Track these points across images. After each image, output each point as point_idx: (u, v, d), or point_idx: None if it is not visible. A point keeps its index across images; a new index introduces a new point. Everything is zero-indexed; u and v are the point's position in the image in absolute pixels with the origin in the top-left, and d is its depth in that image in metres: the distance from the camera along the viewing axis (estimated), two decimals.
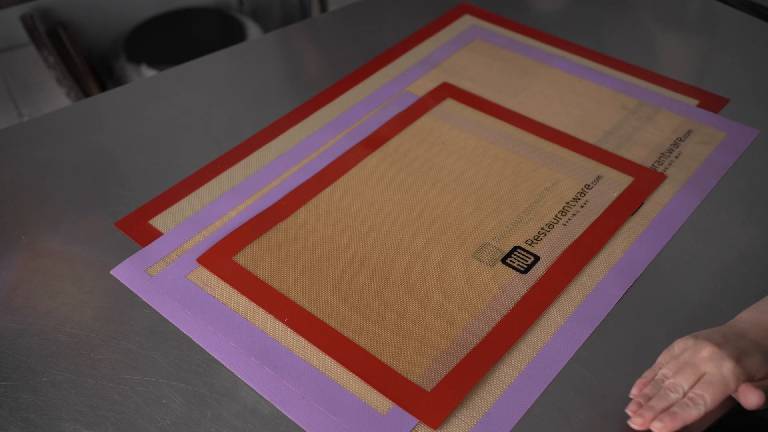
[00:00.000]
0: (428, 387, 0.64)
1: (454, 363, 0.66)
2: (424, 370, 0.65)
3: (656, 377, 0.62)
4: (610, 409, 0.62)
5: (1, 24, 1.67)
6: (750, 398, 0.58)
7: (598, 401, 0.63)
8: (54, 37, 1.71)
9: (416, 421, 0.62)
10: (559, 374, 0.65)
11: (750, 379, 0.59)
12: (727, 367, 0.59)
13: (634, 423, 0.60)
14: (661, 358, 0.63)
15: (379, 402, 0.63)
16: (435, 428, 0.61)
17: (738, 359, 0.59)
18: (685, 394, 0.59)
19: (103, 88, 1.78)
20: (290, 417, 0.62)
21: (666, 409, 0.59)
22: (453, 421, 0.62)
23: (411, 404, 0.62)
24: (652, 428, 0.59)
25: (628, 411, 0.61)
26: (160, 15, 1.87)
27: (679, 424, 0.58)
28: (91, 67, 1.77)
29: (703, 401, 0.58)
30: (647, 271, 0.74)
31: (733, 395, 0.59)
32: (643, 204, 0.80)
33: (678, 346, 0.63)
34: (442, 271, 0.74)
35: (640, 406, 0.60)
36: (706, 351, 0.60)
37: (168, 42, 1.82)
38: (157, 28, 1.85)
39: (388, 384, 0.64)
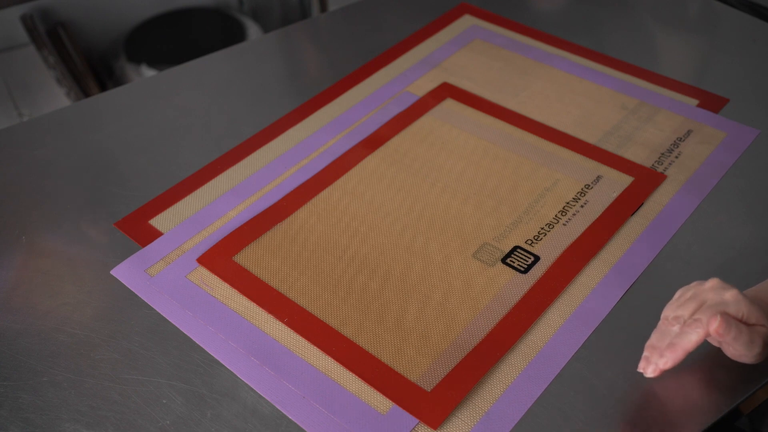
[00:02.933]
0: (428, 387, 0.64)
1: (454, 363, 0.66)
2: (424, 370, 0.65)
3: (659, 324, 0.62)
4: (610, 409, 0.62)
5: (1, 24, 1.67)
6: (713, 324, 0.57)
7: (598, 401, 0.63)
8: (54, 37, 1.71)
9: (416, 421, 0.62)
10: (559, 374, 0.65)
11: (744, 320, 0.59)
12: (730, 293, 0.59)
13: (646, 372, 0.60)
14: (666, 309, 0.63)
15: (379, 402, 0.63)
16: (435, 428, 0.61)
17: (739, 290, 0.59)
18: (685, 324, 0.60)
19: (103, 88, 1.78)
20: (290, 417, 0.62)
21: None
22: (453, 421, 0.62)
23: (411, 404, 0.63)
24: (659, 366, 0.59)
25: (639, 368, 0.61)
26: (160, 15, 1.87)
27: (680, 353, 0.59)
28: (91, 67, 1.77)
29: (701, 324, 0.58)
30: (647, 271, 0.74)
31: (733, 329, 0.58)
32: (643, 204, 0.80)
33: (680, 290, 0.63)
34: (442, 271, 0.74)
35: (647, 357, 0.61)
36: (710, 283, 0.61)
37: (168, 42, 1.82)
38: (157, 28, 1.85)
39: (388, 384, 0.64)
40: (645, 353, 0.61)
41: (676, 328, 0.60)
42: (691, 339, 0.58)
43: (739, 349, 0.59)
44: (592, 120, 0.92)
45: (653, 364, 0.60)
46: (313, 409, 0.63)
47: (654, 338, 0.62)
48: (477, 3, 1.14)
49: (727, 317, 0.58)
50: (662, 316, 0.63)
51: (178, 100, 0.97)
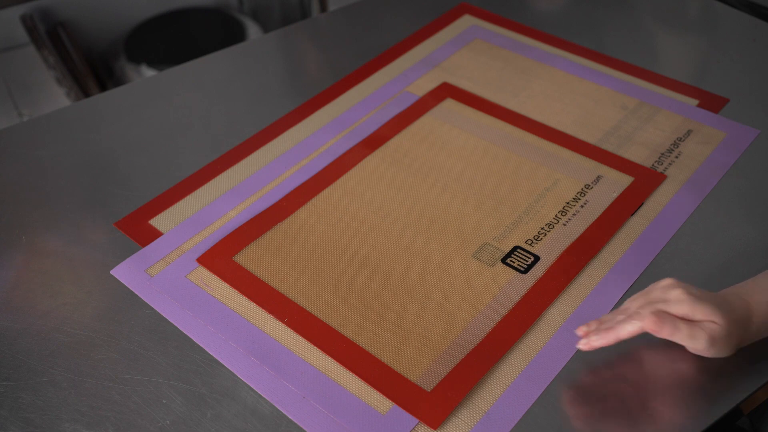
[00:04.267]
0: (428, 387, 0.64)
1: (454, 363, 0.66)
2: (424, 370, 0.65)
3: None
4: (610, 409, 0.62)
5: (1, 24, 1.67)
6: (647, 321, 0.61)
7: (598, 401, 0.63)
8: (54, 37, 1.71)
9: (416, 421, 0.62)
10: (559, 374, 0.65)
11: (687, 318, 0.61)
12: (675, 292, 0.62)
13: (578, 343, 0.63)
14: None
15: (379, 402, 0.63)
16: (435, 428, 0.61)
17: (688, 291, 0.62)
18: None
19: (103, 88, 1.78)
20: (290, 417, 0.62)
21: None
22: (453, 421, 0.62)
23: (411, 404, 0.63)
24: (591, 342, 0.63)
25: (576, 330, 0.65)
26: (160, 15, 1.87)
27: (612, 338, 0.62)
28: (91, 67, 1.77)
29: (640, 318, 0.61)
30: (647, 271, 0.74)
31: (667, 327, 0.60)
32: (643, 204, 0.80)
33: (644, 289, 0.66)
34: (442, 271, 0.74)
35: (588, 326, 0.64)
36: (663, 282, 0.64)
37: (168, 42, 1.82)
38: (157, 28, 1.85)
39: (388, 384, 0.64)
40: (590, 322, 0.65)
41: (621, 317, 0.63)
42: (627, 329, 0.62)
43: (684, 344, 0.62)
44: (592, 120, 0.92)
45: (588, 337, 0.63)
46: (313, 409, 0.63)
47: (604, 316, 0.65)
48: (477, 3, 1.14)
49: (662, 315, 0.61)
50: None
51: (178, 100, 0.97)
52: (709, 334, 0.60)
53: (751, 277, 0.66)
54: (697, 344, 0.61)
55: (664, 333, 0.61)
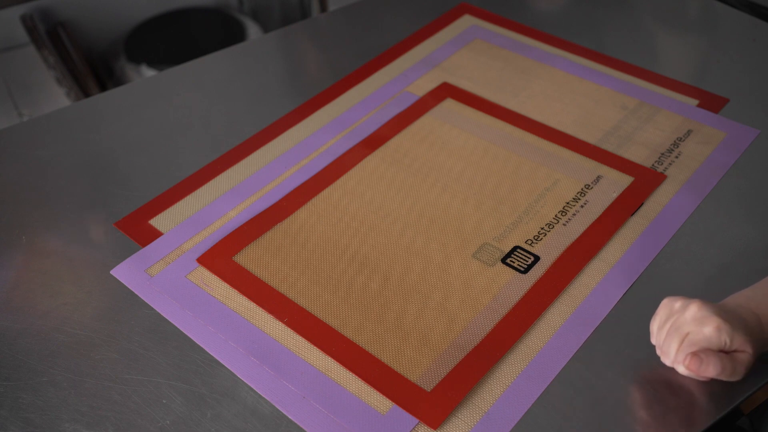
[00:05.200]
0: (428, 387, 0.64)
1: (454, 363, 0.66)
2: (424, 370, 0.65)
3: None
4: (610, 409, 0.62)
5: (1, 24, 1.67)
6: (692, 366, 0.60)
7: (598, 401, 0.63)
8: (54, 37, 1.71)
9: (416, 421, 0.62)
10: (559, 374, 0.65)
11: (725, 349, 0.60)
12: (709, 327, 0.60)
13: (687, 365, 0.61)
14: (652, 323, 0.65)
15: (379, 402, 0.63)
16: (435, 428, 0.61)
17: (722, 317, 0.60)
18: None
19: (103, 88, 1.78)
20: (290, 417, 0.62)
21: None
22: (453, 421, 0.62)
23: (411, 404, 0.63)
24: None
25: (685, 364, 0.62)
26: (160, 15, 1.87)
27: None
28: (91, 67, 1.77)
29: (677, 363, 0.61)
30: (647, 271, 0.74)
31: (711, 368, 0.60)
32: (643, 204, 0.80)
33: (663, 312, 0.64)
34: (442, 271, 0.74)
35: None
36: (690, 312, 0.61)
37: (168, 42, 1.82)
38: (157, 28, 1.85)
39: (388, 384, 0.64)
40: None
41: (667, 362, 0.63)
42: (684, 372, 0.62)
43: (721, 378, 0.61)
44: (592, 120, 0.92)
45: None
46: (313, 409, 0.63)
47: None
48: (477, 3, 1.14)
49: (705, 358, 0.60)
50: (650, 328, 0.65)
51: (178, 100, 0.97)
52: (745, 367, 0.60)
53: (754, 285, 0.66)
54: (734, 377, 0.60)
55: (708, 374, 0.60)
